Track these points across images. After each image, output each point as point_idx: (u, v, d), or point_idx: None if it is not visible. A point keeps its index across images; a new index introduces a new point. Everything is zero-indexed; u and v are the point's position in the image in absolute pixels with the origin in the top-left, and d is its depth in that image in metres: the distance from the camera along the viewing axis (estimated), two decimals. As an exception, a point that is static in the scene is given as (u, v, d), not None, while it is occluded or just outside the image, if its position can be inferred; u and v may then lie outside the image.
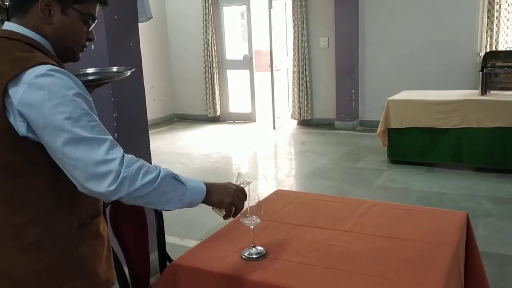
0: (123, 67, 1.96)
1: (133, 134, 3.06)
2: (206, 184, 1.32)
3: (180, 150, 6.71)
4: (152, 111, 8.45)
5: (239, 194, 1.41)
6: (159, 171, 1.19)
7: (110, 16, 2.84)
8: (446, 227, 1.85)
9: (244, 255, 1.66)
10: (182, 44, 8.59)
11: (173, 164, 5.97)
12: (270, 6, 7.42)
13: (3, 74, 1.12)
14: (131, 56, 3.02)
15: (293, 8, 7.50)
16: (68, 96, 1.11)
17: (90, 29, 1.30)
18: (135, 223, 2.08)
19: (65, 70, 1.17)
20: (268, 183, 5.23)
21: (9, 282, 1.22)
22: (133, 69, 1.83)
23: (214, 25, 8.20)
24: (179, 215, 4.27)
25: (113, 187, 1.10)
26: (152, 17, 3.14)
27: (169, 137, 7.64)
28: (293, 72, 7.75)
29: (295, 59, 7.64)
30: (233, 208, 1.40)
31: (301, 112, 7.75)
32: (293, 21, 7.54)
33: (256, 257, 1.64)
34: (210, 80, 8.35)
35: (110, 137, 1.16)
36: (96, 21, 1.31)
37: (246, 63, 8.25)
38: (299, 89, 7.69)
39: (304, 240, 1.76)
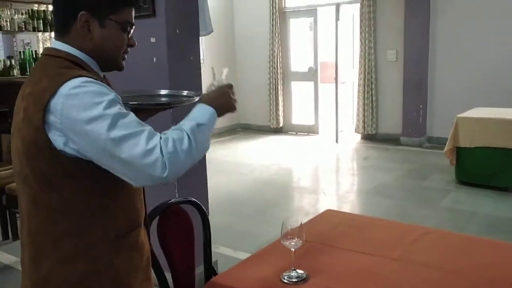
0: (192, 92, 1.96)
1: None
2: (210, 104, 1.34)
3: (241, 160, 6.76)
4: (217, 120, 8.61)
5: (232, 93, 1.44)
6: (185, 132, 1.22)
7: (172, 30, 2.91)
8: (507, 261, 1.70)
9: (284, 278, 1.61)
10: (248, 54, 8.70)
11: (232, 174, 6.03)
12: (337, 18, 7.33)
13: (44, 90, 1.17)
14: (192, 69, 3.08)
15: (361, 20, 7.36)
16: (102, 103, 1.15)
17: (130, 35, 1.33)
18: (182, 234, 2.09)
19: (97, 80, 1.21)
20: (327, 199, 5.13)
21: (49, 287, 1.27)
22: (201, 95, 1.85)
23: (280, 36, 8.24)
24: (234, 227, 4.30)
25: (166, 173, 1.15)
26: (212, 31, 3.19)
27: (231, 146, 7.73)
28: (359, 85, 7.59)
29: (361, 71, 7.48)
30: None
31: (366, 126, 7.56)
32: (361, 33, 7.39)
33: (295, 281, 1.59)
34: (274, 91, 8.37)
35: (147, 127, 1.19)
36: (134, 26, 1.34)
37: (311, 75, 8.19)
38: (364, 103, 7.51)
39: (349, 266, 1.69)
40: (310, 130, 8.35)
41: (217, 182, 5.62)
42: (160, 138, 1.18)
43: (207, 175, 6.00)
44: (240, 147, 7.68)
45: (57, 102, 1.15)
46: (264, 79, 8.45)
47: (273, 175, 5.97)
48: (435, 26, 6.92)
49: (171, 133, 1.21)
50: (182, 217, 2.15)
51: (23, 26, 5.82)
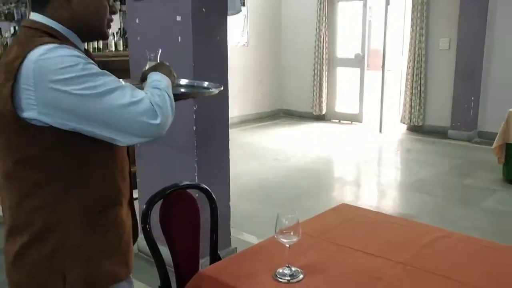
0: (212, 84, 1.89)
1: (212, 128, 3.03)
2: (159, 74, 1.36)
3: (278, 147, 6.65)
4: (258, 105, 8.52)
5: (168, 66, 1.47)
6: (163, 90, 1.26)
7: (198, 8, 2.82)
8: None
9: (276, 275, 1.51)
10: (294, 38, 8.50)
11: (267, 160, 5.94)
12: (387, 3, 7.01)
13: (13, 59, 1.14)
14: (217, 49, 2.99)
15: (413, 6, 6.99)
16: (78, 64, 1.14)
17: (111, 2, 1.32)
18: (186, 220, 2.03)
19: (67, 45, 1.18)
20: (360, 191, 4.96)
21: (22, 263, 1.26)
22: (221, 88, 1.78)
23: (327, 21, 7.98)
24: (261, 214, 4.21)
25: (158, 120, 1.18)
26: (241, 11, 3.07)
27: (270, 132, 7.63)
28: (407, 74, 7.25)
29: (410, 60, 7.13)
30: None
31: (412, 117, 7.23)
32: (412, 19, 7.03)
33: (287, 280, 1.49)
34: (318, 77, 8.16)
35: (129, 84, 1.22)
36: None
37: (358, 61, 7.91)
38: (412, 92, 7.17)
39: (348, 267, 1.56)
40: (353, 119, 8.09)
41: (250, 167, 5.56)
42: (146, 93, 1.22)
43: (241, 160, 5.96)
44: (280, 133, 7.55)
45: (28, 68, 1.12)
46: (309, 64, 8.24)
47: (309, 163, 5.83)
48: (494, 13, 6.46)
49: (152, 90, 1.25)
50: (188, 202, 2.08)
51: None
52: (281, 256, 1.56)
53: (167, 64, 1.47)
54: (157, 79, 1.32)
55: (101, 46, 6.51)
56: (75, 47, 1.25)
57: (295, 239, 1.49)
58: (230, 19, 2.98)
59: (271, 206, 4.42)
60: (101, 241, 1.29)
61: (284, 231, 1.50)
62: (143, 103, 1.17)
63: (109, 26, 1.33)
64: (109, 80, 1.17)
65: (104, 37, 1.35)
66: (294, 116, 8.69)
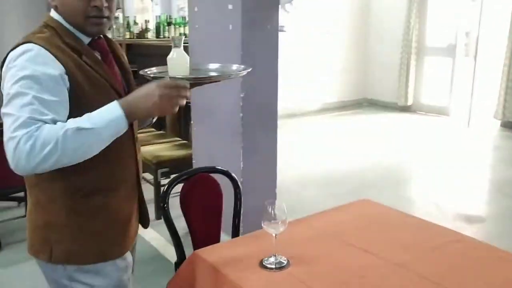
0: (242, 66, 1.80)
1: (260, 116, 3.07)
2: (123, 105, 1.19)
3: (355, 136, 6.50)
4: (342, 94, 8.35)
5: (168, 91, 1.19)
6: (61, 134, 1.14)
7: (250, -4, 2.86)
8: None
9: (263, 262, 1.54)
10: (381, 25, 8.17)
11: (340, 149, 5.87)
12: (485, -13, 6.46)
13: (8, 52, 1.27)
14: (267, 38, 3.00)
15: (514, -10, 6.38)
16: (17, 76, 1.19)
17: None
18: (207, 205, 2.10)
19: (37, 51, 1.21)
20: (430, 187, 4.69)
21: (28, 225, 1.43)
22: (250, 69, 1.67)
23: (418, 7, 7.55)
24: (317, 204, 4.14)
25: (13, 166, 1.15)
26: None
27: (351, 121, 7.46)
28: (504, 65, 6.65)
29: (508, 49, 6.53)
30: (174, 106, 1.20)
31: (506, 112, 6.63)
32: (513, 4, 6.42)
33: (272, 267, 1.51)
34: (405, 67, 7.78)
35: (26, 114, 1.14)
36: None
37: (450, 50, 7.41)
38: (507, 85, 6.57)
39: (338, 262, 1.53)
40: (441, 111, 7.62)
41: (321, 156, 5.53)
42: (30, 131, 1.13)
43: (317, 148, 5.95)
44: (360, 122, 7.36)
45: (3, 70, 1.25)
46: (396, 53, 7.89)
47: (382, 155, 5.63)
48: None
49: (51, 130, 1.14)
50: (210, 186, 2.15)
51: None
52: (285, 244, 1.56)
53: (167, 90, 1.19)
54: (93, 115, 1.19)
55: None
56: (75, 40, 1.32)
57: (281, 229, 1.50)
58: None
59: (330, 196, 4.36)
60: (89, 223, 1.38)
61: (271, 221, 1.51)
62: (12, 142, 1.13)
63: (97, 23, 1.32)
64: (18, 103, 1.16)
65: (87, 33, 1.34)
66: (378, 106, 8.40)
